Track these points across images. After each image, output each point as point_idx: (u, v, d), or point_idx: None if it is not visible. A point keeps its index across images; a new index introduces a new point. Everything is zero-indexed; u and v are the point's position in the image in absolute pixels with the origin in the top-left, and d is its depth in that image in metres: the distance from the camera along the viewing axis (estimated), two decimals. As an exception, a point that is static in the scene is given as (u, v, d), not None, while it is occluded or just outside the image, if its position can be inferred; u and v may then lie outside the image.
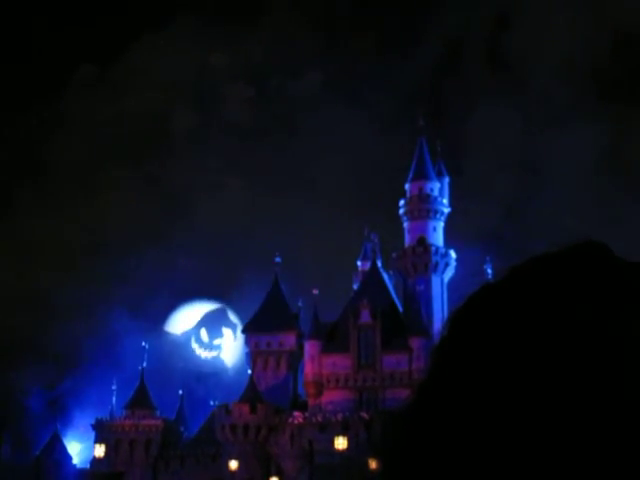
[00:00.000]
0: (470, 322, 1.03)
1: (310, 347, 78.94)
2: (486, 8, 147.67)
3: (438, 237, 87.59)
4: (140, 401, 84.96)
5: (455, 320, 1.05)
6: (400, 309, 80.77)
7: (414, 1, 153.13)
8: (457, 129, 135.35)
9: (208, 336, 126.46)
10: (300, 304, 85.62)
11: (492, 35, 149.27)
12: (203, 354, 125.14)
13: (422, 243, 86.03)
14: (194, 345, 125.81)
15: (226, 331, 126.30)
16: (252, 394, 78.39)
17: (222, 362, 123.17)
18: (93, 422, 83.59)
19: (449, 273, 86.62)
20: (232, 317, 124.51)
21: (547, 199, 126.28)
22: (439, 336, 1.08)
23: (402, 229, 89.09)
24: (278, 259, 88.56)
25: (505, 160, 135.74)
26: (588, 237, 1.03)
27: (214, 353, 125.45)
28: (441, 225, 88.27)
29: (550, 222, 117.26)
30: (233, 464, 76.36)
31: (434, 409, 1.00)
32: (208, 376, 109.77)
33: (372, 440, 69.75)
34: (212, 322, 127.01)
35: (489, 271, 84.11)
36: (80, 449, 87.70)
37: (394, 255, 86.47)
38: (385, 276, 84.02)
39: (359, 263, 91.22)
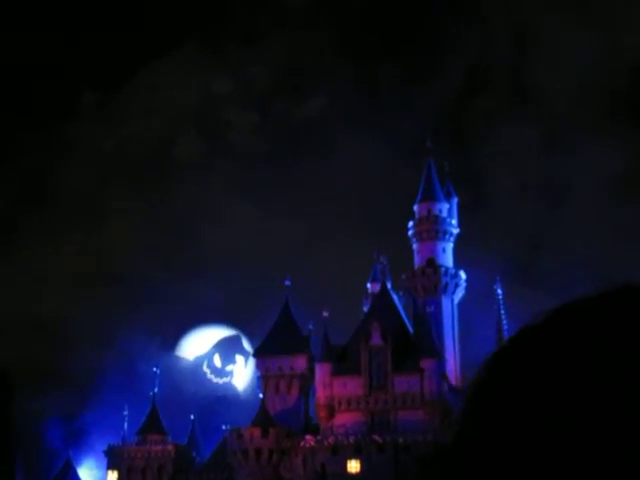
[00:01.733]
0: (509, 366, 1.01)
1: (321, 370, 78.85)
2: (505, 33, 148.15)
3: (447, 258, 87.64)
4: (152, 426, 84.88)
5: (494, 363, 1.03)
6: (410, 330, 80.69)
7: (424, 25, 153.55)
8: (473, 153, 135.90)
9: (221, 362, 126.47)
10: (310, 327, 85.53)
11: (511, 60, 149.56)
12: (215, 379, 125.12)
13: (431, 264, 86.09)
14: (206, 370, 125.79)
15: (239, 358, 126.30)
16: (264, 418, 78.29)
17: (233, 387, 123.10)
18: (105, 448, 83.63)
19: (459, 294, 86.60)
20: (245, 344, 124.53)
21: (561, 222, 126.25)
22: (478, 376, 1.06)
23: (411, 250, 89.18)
24: (288, 282, 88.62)
25: (520, 183, 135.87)
26: (627, 280, 1.01)
27: (226, 379, 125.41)
28: (450, 246, 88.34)
29: (561, 244, 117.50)
30: (246, 489, 76.18)
31: (473, 454, 1.00)
32: (219, 401, 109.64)
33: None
34: (226, 348, 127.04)
35: (499, 292, 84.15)
36: (100, 476, 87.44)
37: (404, 276, 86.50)
38: (395, 298, 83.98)
39: (369, 285, 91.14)
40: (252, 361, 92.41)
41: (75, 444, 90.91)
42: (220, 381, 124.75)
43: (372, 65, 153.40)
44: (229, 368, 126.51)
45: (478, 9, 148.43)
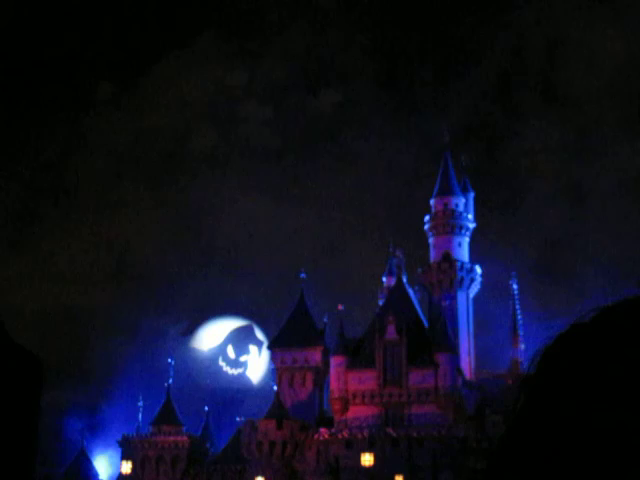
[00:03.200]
0: (562, 361, 1.04)
1: (336, 363, 78.85)
2: (536, 36, 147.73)
3: (463, 252, 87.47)
4: (166, 417, 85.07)
5: (547, 358, 1.06)
6: (426, 325, 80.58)
7: (456, 25, 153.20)
8: (498, 151, 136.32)
9: (235, 353, 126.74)
10: (325, 320, 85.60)
11: (541, 61, 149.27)
12: (230, 371, 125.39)
13: (447, 259, 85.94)
14: (221, 362, 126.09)
15: (252, 348, 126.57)
16: (278, 410, 78.39)
17: (248, 379, 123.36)
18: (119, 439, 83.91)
19: (474, 288, 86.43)
20: (259, 334, 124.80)
21: (581, 221, 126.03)
22: (528, 370, 1.08)
23: (427, 245, 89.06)
24: (303, 275, 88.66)
25: (543, 182, 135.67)
26: None
27: (240, 370, 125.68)
28: (466, 240, 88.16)
29: (579, 242, 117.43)
30: (259, 481, 76.38)
31: (528, 445, 1.02)
32: (234, 392, 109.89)
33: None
34: (239, 339, 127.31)
35: (515, 287, 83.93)
36: (116, 466, 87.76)
37: (419, 271, 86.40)
38: (410, 292, 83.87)
39: (384, 279, 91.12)
40: (266, 351, 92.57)
41: (93, 435, 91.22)
42: (235, 372, 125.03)
43: (397, 63, 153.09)
44: (243, 359, 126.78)
45: (510, 12, 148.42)
